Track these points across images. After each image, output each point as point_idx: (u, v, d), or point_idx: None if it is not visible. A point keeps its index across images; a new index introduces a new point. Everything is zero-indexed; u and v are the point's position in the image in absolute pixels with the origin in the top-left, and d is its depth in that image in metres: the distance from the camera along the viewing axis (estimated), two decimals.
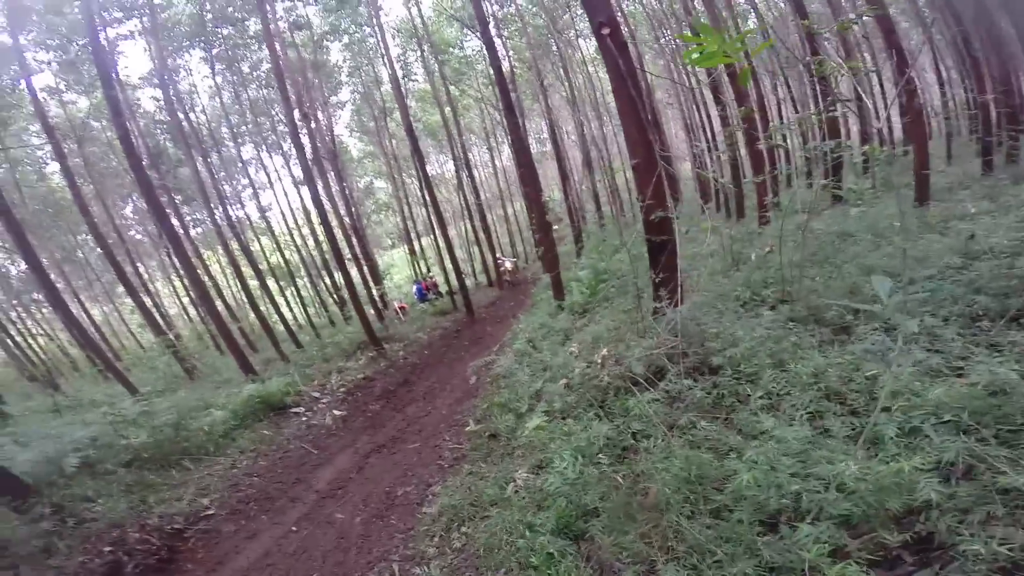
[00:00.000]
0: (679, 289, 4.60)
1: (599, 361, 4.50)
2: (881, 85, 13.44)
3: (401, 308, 16.15)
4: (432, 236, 16.92)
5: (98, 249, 12.89)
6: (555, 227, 21.73)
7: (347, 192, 17.21)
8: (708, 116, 14.76)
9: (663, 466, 2.63)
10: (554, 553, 2.42)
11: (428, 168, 28.03)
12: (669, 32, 13.15)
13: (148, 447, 5.76)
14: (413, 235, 19.91)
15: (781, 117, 14.90)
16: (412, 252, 19.56)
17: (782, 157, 17.73)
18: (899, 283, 4.12)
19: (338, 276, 13.10)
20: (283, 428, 6.91)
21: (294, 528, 4.03)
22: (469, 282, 19.58)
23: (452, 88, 16.93)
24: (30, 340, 15.32)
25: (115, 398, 8.50)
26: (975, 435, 2.05)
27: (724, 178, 12.79)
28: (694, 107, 14.86)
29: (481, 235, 18.09)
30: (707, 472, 2.40)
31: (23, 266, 14.28)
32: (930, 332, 3.31)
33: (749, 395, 3.08)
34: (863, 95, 4.17)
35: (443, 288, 16.60)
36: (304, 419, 7.19)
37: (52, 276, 13.41)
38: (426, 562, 3.00)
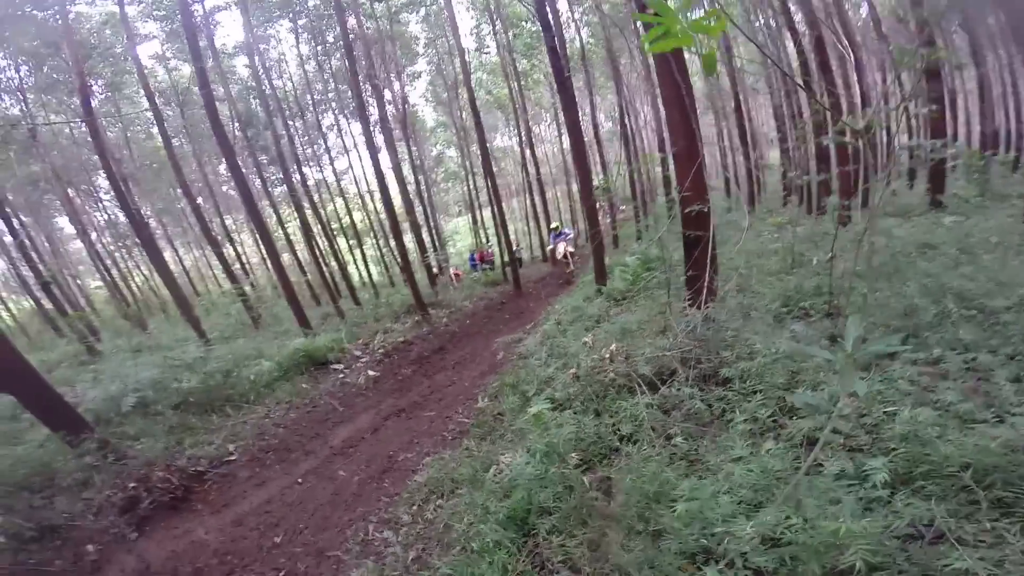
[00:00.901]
0: (706, 289, 4.33)
1: (607, 356, 4.37)
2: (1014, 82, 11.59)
3: (456, 275, 16.57)
4: (493, 208, 17.04)
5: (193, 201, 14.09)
6: (623, 208, 20.97)
7: (416, 159, 17.60)
8: (799, 105, 13.52)
9: (631, 476, 2.53)
10: (491, 542, 2.44)
11: (496, 140, 28.20)
12: (763, 15, 12.04)
13: (196, 392, 6.29)
14: (476, 205, 20.14)
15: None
16: (474, 221, 19.83)
17: (881, 153, 15.91)
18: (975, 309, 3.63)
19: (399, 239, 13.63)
20: (320, 383, 7.33)
21: (300, 480, 4.32)
22: (525, 255, 19.58)
23: (524, 61, 16.62)
24: (129, 281, 17.28)
25: (187, 342, 9.40)
26: (970, 496, 1.78)
27: (810, 169, 11.74)
28: (783, 95, 13.63)
29: (540, 210, 17.93)
30: (666, 490, 2.27)
31: (124, 216, 15.93)
32: (981, 371, 2.90)
33: (735, 416, 2.86)
34: (985, 93, 3.61)
35: (498, 259, 16.77)
36: (341, 376, 7.59)
37: (153, 224, 14.96)
38: (398, 527, 3.14)
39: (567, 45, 14.43)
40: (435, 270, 16.39)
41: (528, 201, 19.32)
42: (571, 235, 14.33)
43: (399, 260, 18.22)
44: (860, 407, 2.80)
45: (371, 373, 7.59)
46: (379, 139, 14.32)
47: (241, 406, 6.32)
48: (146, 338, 10.45)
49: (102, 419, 5.37)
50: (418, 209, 16.85)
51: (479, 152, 13.53)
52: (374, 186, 19.08)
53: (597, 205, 10.07)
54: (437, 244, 18.97)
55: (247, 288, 12.55)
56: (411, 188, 16.47)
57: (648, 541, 2.02)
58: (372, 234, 20.22)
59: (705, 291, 4.28)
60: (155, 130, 18.28)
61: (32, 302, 14.18)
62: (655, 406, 3.31)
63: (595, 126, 16.98)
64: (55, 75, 13.32)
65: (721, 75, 14.98)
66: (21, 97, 13.34)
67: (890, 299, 4.31)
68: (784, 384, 3.19)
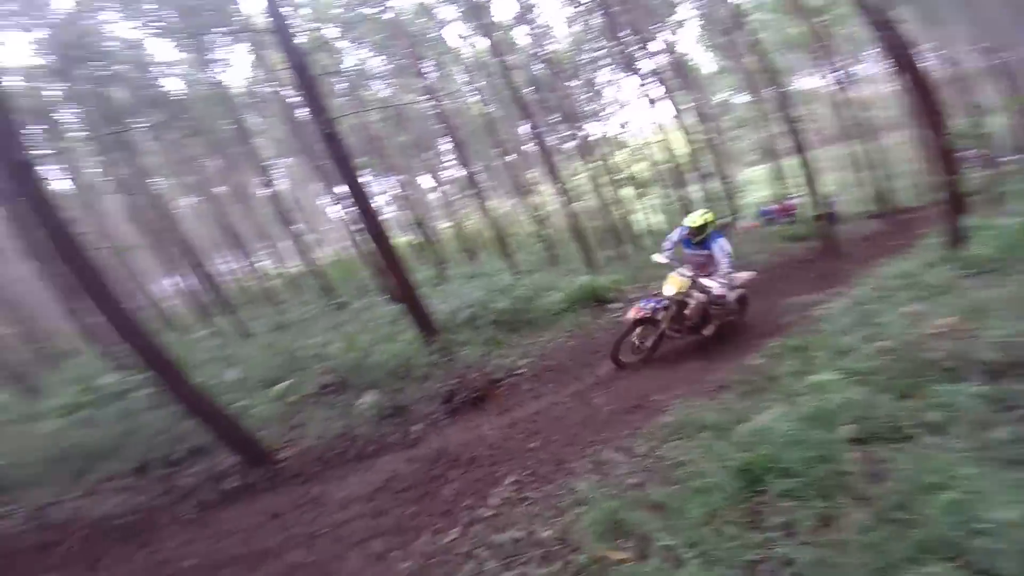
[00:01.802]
0: None
1: (938, 331, 3.37)
2: None
3: (751, 227, 15.26)
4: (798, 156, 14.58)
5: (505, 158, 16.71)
6: (1006, 159, 14.63)
7: (698, 108, 16.54)
8: None
9: (913, 462, 2.07)
10: (712, 484, 2.44)
11: (800, 82, 23.29)
12: None
13: (506, 312, 7.71)
14: (776, 153, 17.66)
15: None
16: (774, 171, 17.45)
17: None
18: None
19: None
20: (598, 318, 7.93)
21: (565, 400, 4.92)
22: (844, 209, 16.21)
23: None
24: (466, 222, 22.07)
25: (502, 272, 11.42)
26: None
27: None
28: None
29: (867, 160, 14.31)
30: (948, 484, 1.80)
31: (463, 172, 19.91)
32: None
33: None
34: None
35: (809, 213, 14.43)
36: (615, 315, 8.00)
37: (482, 178, 18.40)
38: (631, 456, 3.33)
39: None
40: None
41: (850, 149, 15.68)
42: (719, 254, 5.61)
43: (683, 210, 17.84)
44: None
45: None
46: (655, 90, 13.94)
47: (536, 329, 7.42)
48: (475, 268, 13.10)
49: (444, 327, 7.08)
50: (705, 158, 15.80)
51: (775, 97, 11.67)
52: (655, 137, 18.92)
53: (959, 153, 7.34)
54: (727, 194, 17.57)
55: (547, 231, 14.33)
56: (696, 137, 15.51)
57: (895, 530, 1.68)
58: (657, 184, 20.15)
59: None
60: (471, 99, 21.76)
61: (410, 237, 19.61)
62: (987, 398, 2.50)
63: (952, 61, 12.35)
64: (401, 60, 16.79)
65: None
66: (385, 82, 17.69)
67: None
68: None
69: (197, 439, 5.28)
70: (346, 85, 16.63)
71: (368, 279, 13.37)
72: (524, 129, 21.85)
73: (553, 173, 11.92)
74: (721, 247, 5.61)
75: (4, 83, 4.36)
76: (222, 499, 4.67)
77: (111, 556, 4.18)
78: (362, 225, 6.81)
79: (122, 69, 12.88)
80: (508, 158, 19.30)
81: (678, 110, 14.64)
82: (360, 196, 6.56)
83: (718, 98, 23.82)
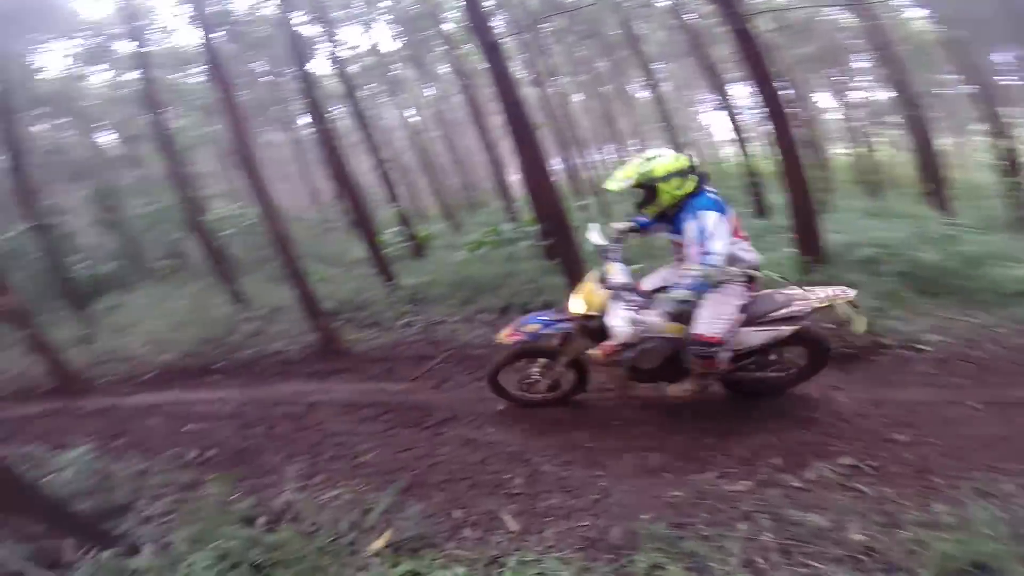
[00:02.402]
0: None
1: None
2: None
3: None
4: None
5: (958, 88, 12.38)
6: None
7: None
8: None
9: None
10: None
11: None
12: None
13: (928, 268, 5.59)
14: None
15: None
16: None
17: None
18: None
19: None
20: None
21: (972, 405, 3.48)
22: None
23: None
24: (869, 153, 18.29)
25: (924, 219, 8.67)
26: None
27: None
28: None
29: None
30: None
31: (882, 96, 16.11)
32: None
33: None
34: None
35: None
36: None
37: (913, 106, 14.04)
38: None
39: None
40: None
41: None
42: (693, 237, 2.81)
43: None
44: None
45: None
46: None
47: (964, 302, 5.17)
48: (877, 204, 10.44)
49: (832, 259, 5.79)
50: None
51: None
52: None
53: None
54: None
55: (1020, 185, 9.98)
56: None
57: None
58: None
59: None
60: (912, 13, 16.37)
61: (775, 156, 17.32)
62: None
63: None
64: None
65: None
66: None
67: None
68: None
69: (552, 295, 5.83)
70: None
71: (737, 188, 12.35)
72: (1002, 57, 16.25)
73: None
74: (701, 226, 2.82)
75: None
76: None
77: (454, 380, 4.78)
78: (770, 130, 5.98)
79: None
80: (963, 88, 14.06)
81: None
82: (772, 99, 5.70)
83: None
